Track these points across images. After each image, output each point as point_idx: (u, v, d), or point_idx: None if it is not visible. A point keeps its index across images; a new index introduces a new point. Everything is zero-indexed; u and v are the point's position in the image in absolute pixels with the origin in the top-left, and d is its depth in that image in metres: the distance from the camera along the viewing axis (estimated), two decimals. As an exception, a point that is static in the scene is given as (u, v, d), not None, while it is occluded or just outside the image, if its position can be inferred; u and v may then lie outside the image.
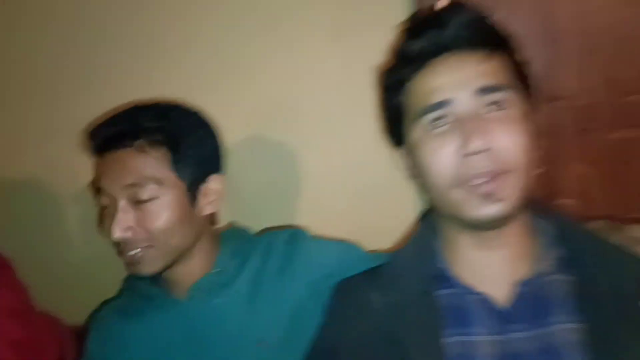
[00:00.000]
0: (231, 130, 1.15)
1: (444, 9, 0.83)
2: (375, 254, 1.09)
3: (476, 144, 0.73)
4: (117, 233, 0.93)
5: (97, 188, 0.98)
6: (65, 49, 1.38)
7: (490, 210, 0.76)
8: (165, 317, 1.01)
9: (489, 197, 0.75)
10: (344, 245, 1.11)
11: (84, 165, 1.11)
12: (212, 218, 1.08)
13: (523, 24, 1.36)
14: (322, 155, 1.39)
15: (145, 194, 0.93)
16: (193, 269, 1.01)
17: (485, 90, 0.76)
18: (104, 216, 0.98)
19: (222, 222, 1.16)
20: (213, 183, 1.02)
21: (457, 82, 0.77)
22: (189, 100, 1.09)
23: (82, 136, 1.05)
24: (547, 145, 1.44)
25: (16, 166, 1.42)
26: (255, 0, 1.37)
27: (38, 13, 1.38)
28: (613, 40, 1.35)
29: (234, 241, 1.08)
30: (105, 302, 1.12)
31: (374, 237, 1.18)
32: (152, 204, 0.94)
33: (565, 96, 1.40)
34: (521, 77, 0.82)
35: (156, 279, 1.03)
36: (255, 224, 1.21)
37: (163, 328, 1.01)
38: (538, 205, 0.87)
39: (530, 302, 0.79)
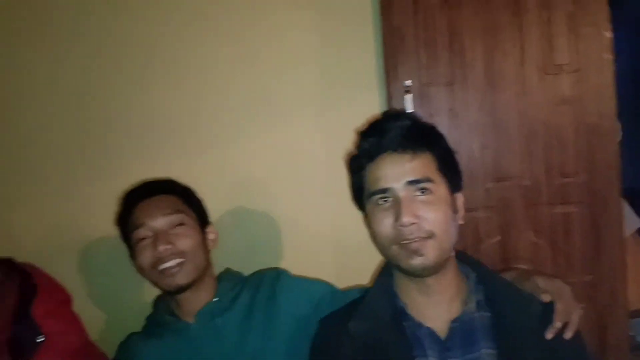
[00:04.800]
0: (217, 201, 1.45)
1: (387, 117, 1.13)
2: (347, 291, 1.34)
3: (405, 219, 1.01)
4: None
5: (136, 225, 1.25)
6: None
7: (416, 261, 1.02)
8: (178, 337, 1.27)
9: (415, 252, 1.02)
10: (321, 284, 1.38)
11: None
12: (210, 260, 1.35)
13: (476, 117, 1.68)
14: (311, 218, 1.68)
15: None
16: (199, 297, 1.28)
17: (412, 182, 1.03)
18: (141, 248, 1.24)
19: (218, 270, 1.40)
20: (210, 231, 1.37)
21: (394, 175, 1.04)
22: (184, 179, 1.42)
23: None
24: (500, 217, 1.74)
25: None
26: (246, 86, 1.67)
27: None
28: (548, 130, 1.65)
29: (229, 278, 1.37)
30: (130, 335, 1.35)
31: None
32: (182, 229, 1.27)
33: (512, 176, 1.69)
34: (445, 167, 1.08)
35: (171, 308, 1.31)
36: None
37: (177, 346, 1.26)
38: (463, 255, 1.15)
39: (461, 334, 1.05)
